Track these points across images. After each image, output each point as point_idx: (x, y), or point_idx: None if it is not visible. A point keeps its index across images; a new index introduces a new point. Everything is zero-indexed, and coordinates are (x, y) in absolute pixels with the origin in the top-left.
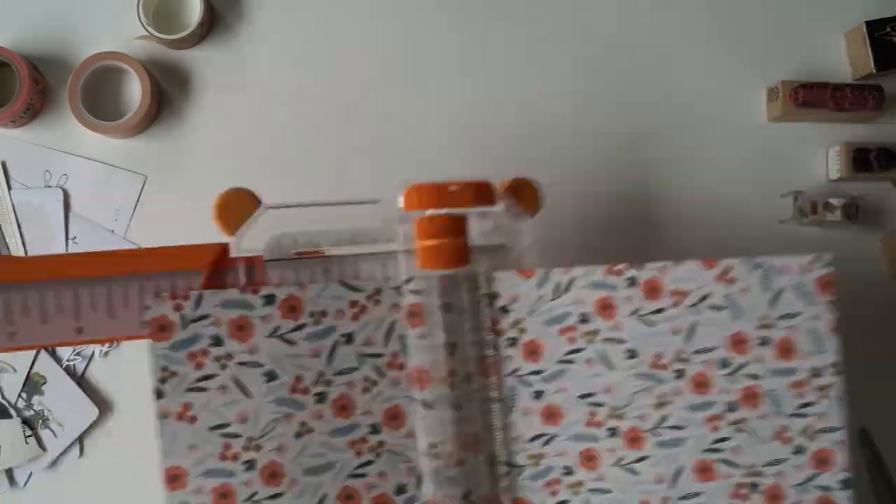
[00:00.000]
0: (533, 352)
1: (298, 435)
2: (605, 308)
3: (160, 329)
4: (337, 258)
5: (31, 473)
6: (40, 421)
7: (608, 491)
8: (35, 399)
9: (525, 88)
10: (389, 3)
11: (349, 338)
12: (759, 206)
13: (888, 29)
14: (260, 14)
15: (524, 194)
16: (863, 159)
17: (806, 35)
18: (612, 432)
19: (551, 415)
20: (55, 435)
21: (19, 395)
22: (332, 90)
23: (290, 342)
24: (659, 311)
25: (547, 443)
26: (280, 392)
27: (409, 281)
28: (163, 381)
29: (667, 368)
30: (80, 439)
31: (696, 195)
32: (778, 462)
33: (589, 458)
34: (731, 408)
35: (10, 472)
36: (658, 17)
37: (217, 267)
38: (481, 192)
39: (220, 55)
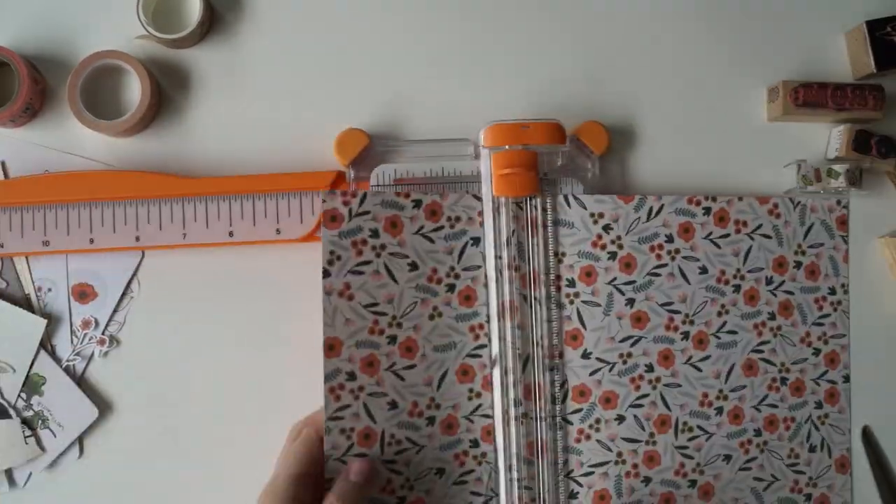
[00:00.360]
0: (627, 265)
1: (431, 317)
2: (686, 231)
3: (331, 219)
4: (427, 185)
5: (30, 474)
6: (40, 421)
7: (678, 385)
8: (34, 399)
9: (527, 85)
10: (390, 2)
11: (476, 241)
12: None
13: (888, 29)
14: (260, 14)
15: (593, 135)
16: (864, 141)
17: (806, 35)
18: (685, 336)
19: (639, 320)
20: (55, 435)
21: (19, 396)
22: (332, 90)
23: (430, 240)
24: (725, 235)
25: (634, 343)
26: (420, 280)
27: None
28: (330, 262)
29: (728, 283)
30: (80, 439)
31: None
32: (802, 361)
33: (665, 357)
34: (772, 316)
35: (9, 473)
36: (657, 17)
37: (334, 189)
38: (552, 132)
39: (220, 55)
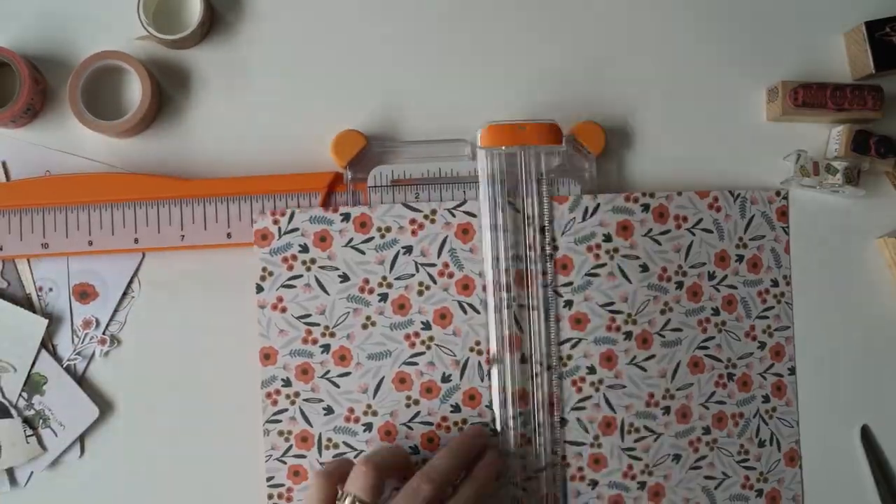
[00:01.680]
0: (564, 266)
1: (364, 326)
2: (624, 229)
3: (262, 237)
4: (424, 185)
5: (31, 473)
6: (41, 420)
7: (623, 386)
8: (36, 399)
9: (524, 87)
10: (391, 2)
11: (408, 249)
12: None
13: (888, 29)
14: (260, 14)
15: (590, 136)
16: (863, 141)
17: (805, 35)
18: (628, 336)
19: (578, 321)
20: (56, 434)
21: (20, 395)
22: (330, 91)
23: (361, 251)
24: (665, 232)
25: (574, 346)
26: (351, 291)
27: (462, 204)
28: (262, 278)
29: (670, 280)
30: (81, 439)
31: None
32: (748, 355)
33: (608, 359)
34: (716, 312)
35: (10, 472)
36: (655, 17)
37: (331, 190)
38: (549, 132)
39: (220, 55)
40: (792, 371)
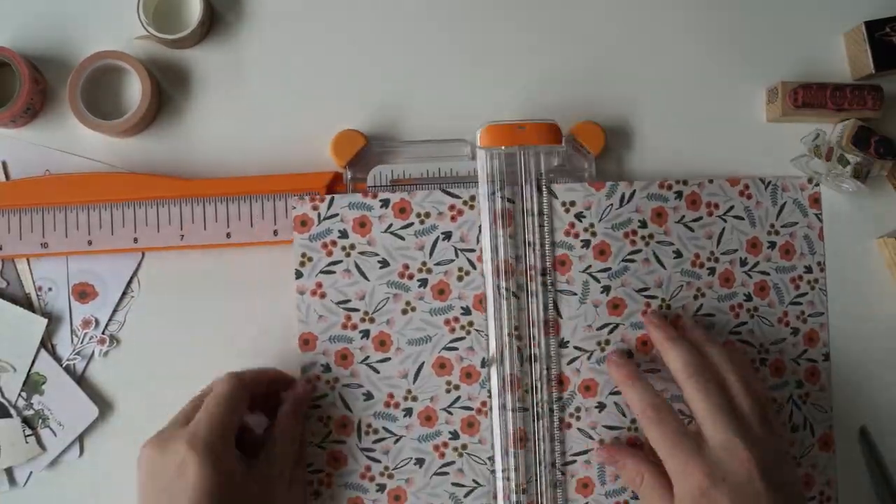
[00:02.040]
0: (602, 251)
1: (404, 312)
2: (658, 216)
3: (301, 223)
4: (424, 185)
5: (30, 473)
6: (40, 420)
7: (658, 370)
8: (35, 398)
9: (524, 87)
10: (390, 3)
11: (447, 235)
12: None
13: (888, 29)
14: (260, 14)
15: (589, 136)
16: (864, 138)
17: (805, 36)
18: None
19: (615, 306)
20: (55, 434)
21: (19, 395)
22: (330, 91)
23: (400, 237)
24: (698, 219)
25: (612, 331)
26: (391, 277)
27: (501, 190)
28: (301, 264)
29: (703, 266)
30: (80, 439)
31: None
32: (780, 341)
33: (644, 343)
34: (748, 298)
35: (10, 472)
36: (656, 17)
37: (331, 190)
38: (549, 132)
39: (220, 55)
40: (826, 357)
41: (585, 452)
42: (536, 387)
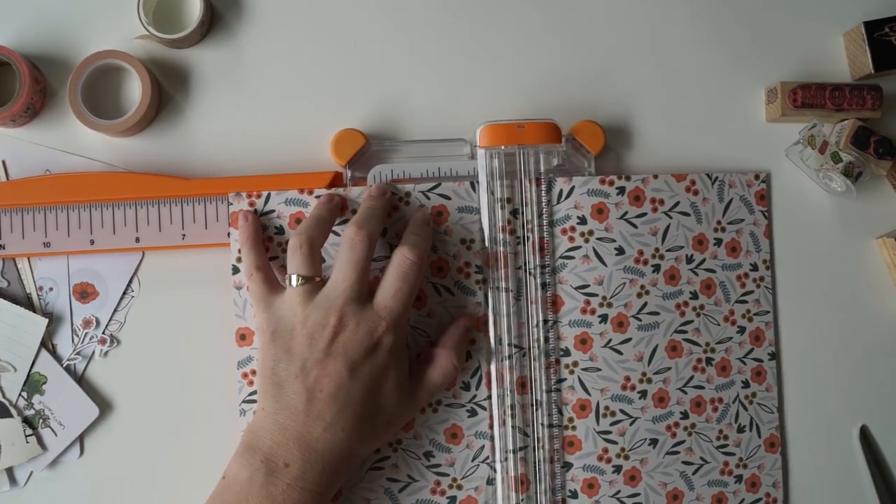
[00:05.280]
0: (540, 248)
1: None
2: (599, 212)
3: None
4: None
5: (31, 472)
6: (41, 420)
7: (598, 369)
8: (35, 398)
9: (524, 87)
10: (390, 3)
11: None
12: None
13: (887, 29)
14: (260, 14)
15: (589, 135)
16: (864, 137)
17: (804, 36)
18: (603, 319)
19: (553, 303)
20: (55, 434)
21: (20, 395)
22: (330, 90)
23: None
24: (642, 215)
25: (550, 328)
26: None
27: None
28: (238, 260)
29: (647, 263)
30: (81, 439)
31: None
32: (727, 340)
33: (583, 342)
34: (694, 295)
35: (10, 471)
36: (655, 17)
37: (332, 188)
38: (548, 131)
39: (220, 55)
40: (772, 356)
41: (522, 450)
42: (469, 384)
